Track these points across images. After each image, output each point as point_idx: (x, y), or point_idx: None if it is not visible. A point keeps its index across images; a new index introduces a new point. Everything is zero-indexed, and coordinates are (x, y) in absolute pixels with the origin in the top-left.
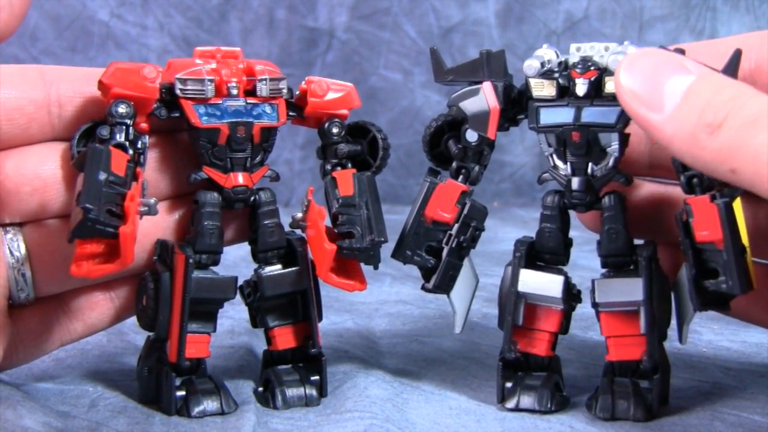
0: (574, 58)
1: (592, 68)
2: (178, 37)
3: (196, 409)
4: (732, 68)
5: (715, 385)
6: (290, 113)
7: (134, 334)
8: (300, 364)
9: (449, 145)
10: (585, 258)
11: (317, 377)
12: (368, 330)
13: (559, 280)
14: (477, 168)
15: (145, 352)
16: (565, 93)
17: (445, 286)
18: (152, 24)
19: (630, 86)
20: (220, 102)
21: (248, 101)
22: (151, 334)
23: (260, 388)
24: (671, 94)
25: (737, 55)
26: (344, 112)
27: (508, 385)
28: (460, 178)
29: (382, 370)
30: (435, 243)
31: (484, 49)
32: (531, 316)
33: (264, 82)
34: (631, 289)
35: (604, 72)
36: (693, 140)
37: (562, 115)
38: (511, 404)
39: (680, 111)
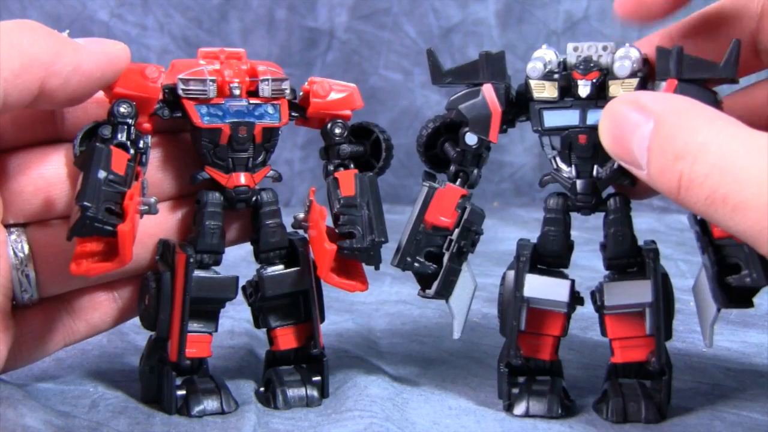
0: (572, 58)
1: (594, 69)
2: (178, 37)
3: (196, 408)
4: (732, 62)
5: (715, 386)
6: (293, 114)
7: (134, 334)
8: (302, 365)
9: (446, 148)
10: (586, 258)
11: (319, 378)
12: (368, 330)
13: (566, 284)
14: (476, 171)
15: (147, 351)
16: (566, 94)
17: (445, 292)
18: (152, 24)
19: (610, 150)
20: (222, 102)
21: (250, 101)
22: (153, 333)
23: (261, 389)
24: (640, 152)
25: (736, 47)
26: (347, 112)
27: (515, 391)
28: (459, 181)
29: (382, 370)
30: (435, 248)
31: (483, 51)
32: (534, 321)
33: (266, 82)
34: (640, 291)
35: (606, 74)
36: (684, 192)
37: (568, 117)
38: (519, 411)
39: (654, 168)
